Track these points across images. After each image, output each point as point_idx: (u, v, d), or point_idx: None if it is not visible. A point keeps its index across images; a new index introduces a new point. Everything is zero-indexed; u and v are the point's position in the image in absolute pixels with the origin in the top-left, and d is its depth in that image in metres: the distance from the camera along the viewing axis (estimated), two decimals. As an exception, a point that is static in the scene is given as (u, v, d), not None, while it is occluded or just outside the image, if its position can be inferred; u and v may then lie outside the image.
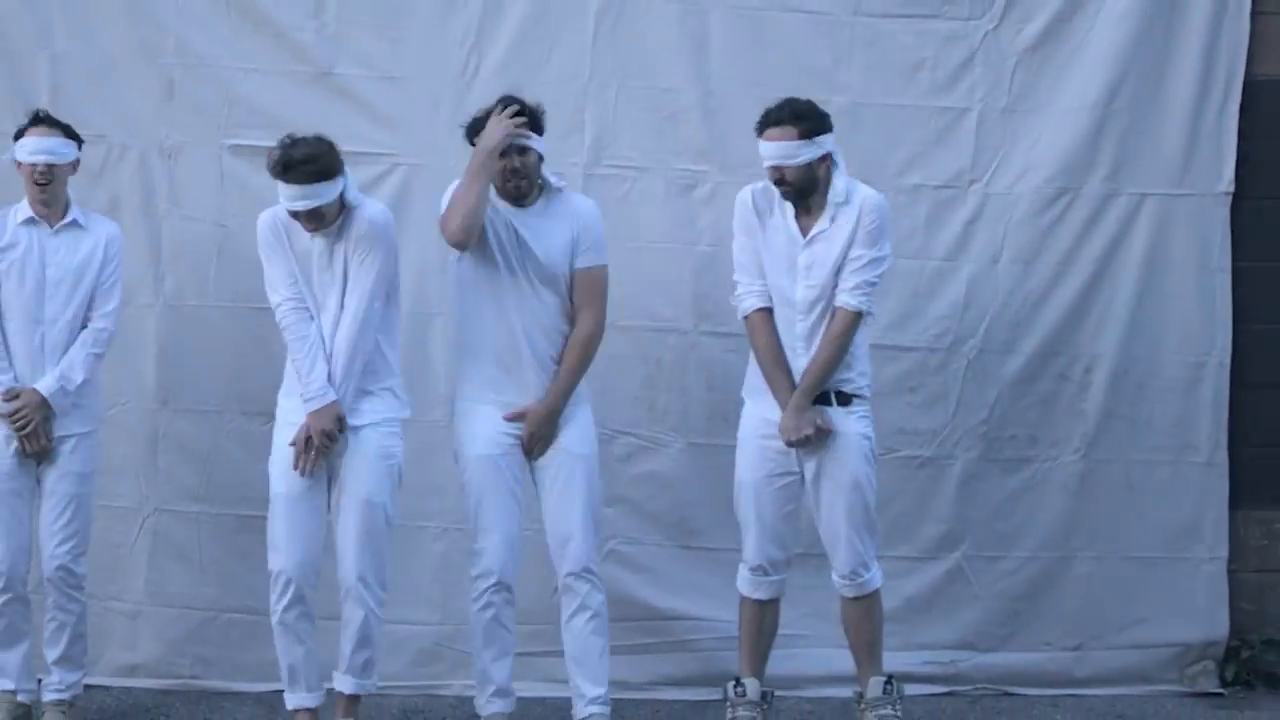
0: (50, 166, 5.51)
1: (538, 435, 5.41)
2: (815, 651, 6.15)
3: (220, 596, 6.11)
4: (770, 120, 5.40)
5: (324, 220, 5.30)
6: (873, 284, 5.41)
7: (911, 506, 6.25)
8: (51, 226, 5.57)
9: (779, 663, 5.79)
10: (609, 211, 5.75)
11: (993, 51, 6.25)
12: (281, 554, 5.36)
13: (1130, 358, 6.32)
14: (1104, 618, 6.34)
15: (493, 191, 5.42)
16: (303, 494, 5.37)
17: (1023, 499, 6.32)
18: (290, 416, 5.40)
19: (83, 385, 5.55)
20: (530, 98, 5.45)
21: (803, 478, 5.51)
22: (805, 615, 6.04)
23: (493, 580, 5.40)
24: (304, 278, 5.38)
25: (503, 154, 5.32)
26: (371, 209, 5.43)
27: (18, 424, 5.46)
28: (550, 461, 5.42)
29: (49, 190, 5.53)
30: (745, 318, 5.55)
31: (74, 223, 5.60)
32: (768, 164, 5.41)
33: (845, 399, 5.48)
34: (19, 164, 5.54)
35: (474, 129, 5.39)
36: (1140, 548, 6.35)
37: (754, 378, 5.57)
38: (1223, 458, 6.34)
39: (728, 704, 5.64)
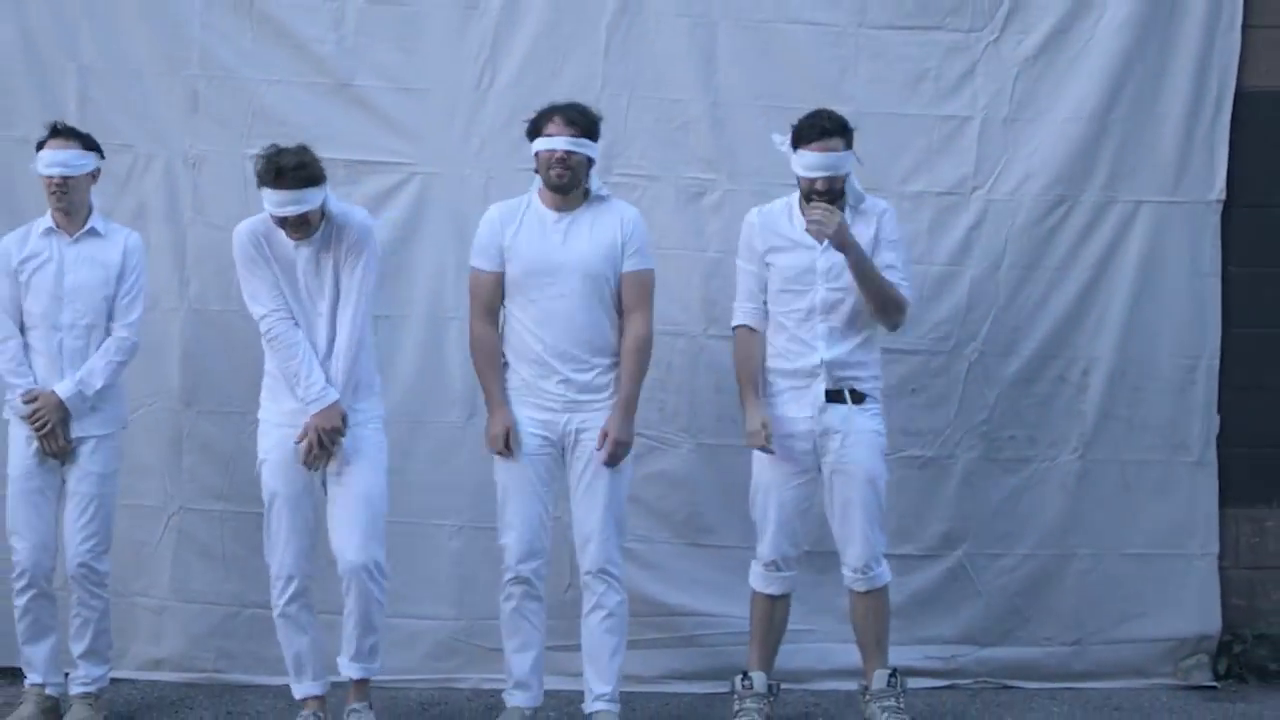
0: (65, 178, 5.58)
1: (621, 447, 5.44)
2: (820, 646, 6.19)
3: (242, 592, 6.15)
4: (821, 132, 5.47)
5: (310, 227, 5.36)
6: (907, 279, 5.61)
7: (914, 505, 6.27)
8: (71, 235, 5.64)
9: (785, 657, 5.84)
10: (620, 218, 5.78)
11: (994, 62, 6.27)
12: (281, 551, 5.46)
13: (1126, 360, 6.34)
14: (1101, 613, 6.36)
15: (535, 199, 5.50)
16: (300, 493, 5.47)
17: (1022, 498, 6.35)
18: (276, 419, 5.48)
19: (103, 390, 5.61)
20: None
21: (819, 475, 5.61)
22: (811, 611, 6.07)
23: (512, 575, 5.49)
24: (289, 287, 5.43)
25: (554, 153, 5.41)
26: (358, 215, 5.48)
27: (35, 424, 5.54)
28: (577, 463, 5.48)
29: (66, 199, 5.59)
30: (734, 329, 5.70)
31: (92, 231, 5.65)
32: (815, 174, 5.47)
33: (859, 397, 5.58)
34: (40, 176, 5.60)
35: (532, 131, 5.47)
36: (1135, 545, 6.37)
37: (772, 380, 5.65)
38: (1213, 457, 6.36)
39: (735, 696, 5.71)
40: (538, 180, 5.53)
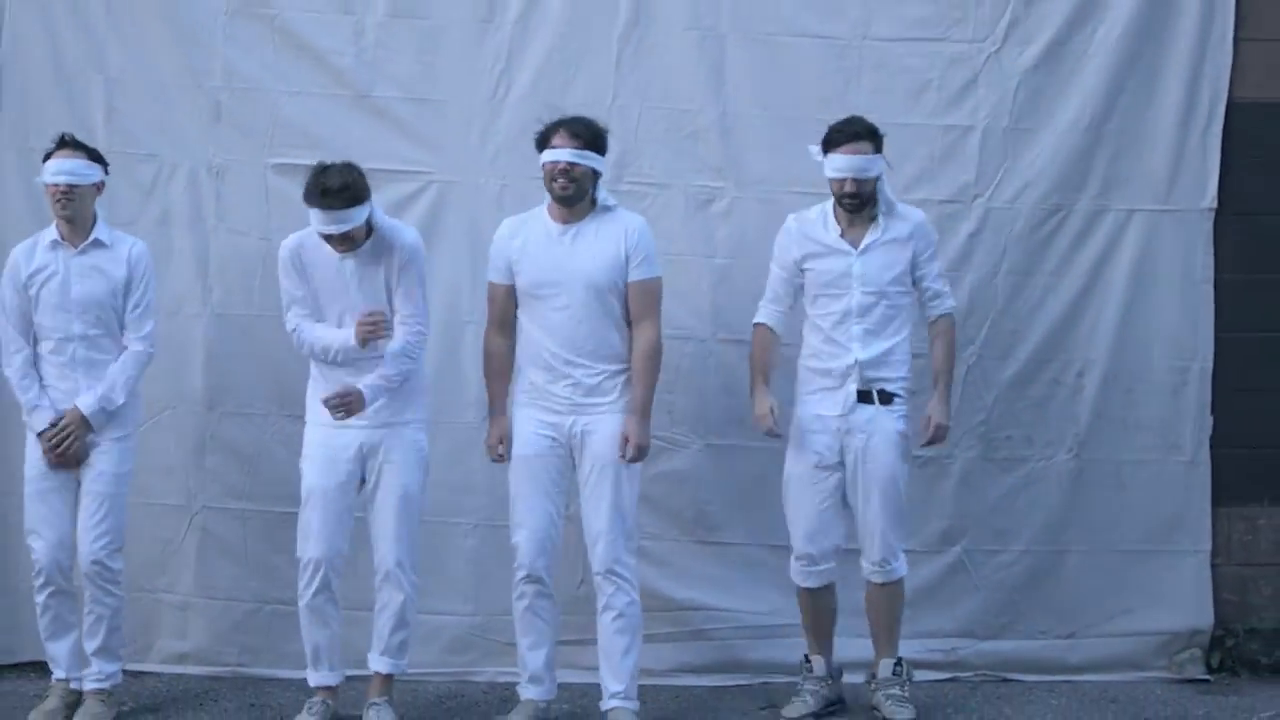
0: (71, 187, 5.58)
1: (641, 450, 5.56)
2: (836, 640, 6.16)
3: (264, 589, 6.24)
4: (849, 135, 5.63)
5: (354, 243, 5.50)
6: (946, 286, 5.83)
7: (915, 503, 6.21)
8: (76, 247, 5.65)
9: (796, 649, 5.95)
10: (631, 226, 5.85)
11: (995, 73, 6.33)
12: (313, 543, 5.56)
13: (1120, 363, 6.40)
14: (1096, 608, 6.42)
15: (544, 211, 5.62)
16: (336, 488, 5.58)
17: (1019, 496, 6.42)
18: (318, 418, 5.60)
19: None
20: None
21: (845, 471, 5.72)
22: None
23: (523, 573, 5.60)
24: (329, 298, 5.58)
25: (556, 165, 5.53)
26: (408, 235, 5.63)
27: (54, 441, 5.57)
28: (585, 464, 5.58)
29: (71, 208, 5.59)
30: (754, 325, 5.84)
31: (97, 241, 5.66)
32: (843, 176, 5.61)
33: (887, 398, 5.72)
34: (46, 185, 5.61)
35: (540, 143, 5.58)
36: (1129, 541, 6.42)
37: (804, 380, 5.79)
38: (1205, 457, 6.41)
39: (801, 678, 5.87)
40: None
